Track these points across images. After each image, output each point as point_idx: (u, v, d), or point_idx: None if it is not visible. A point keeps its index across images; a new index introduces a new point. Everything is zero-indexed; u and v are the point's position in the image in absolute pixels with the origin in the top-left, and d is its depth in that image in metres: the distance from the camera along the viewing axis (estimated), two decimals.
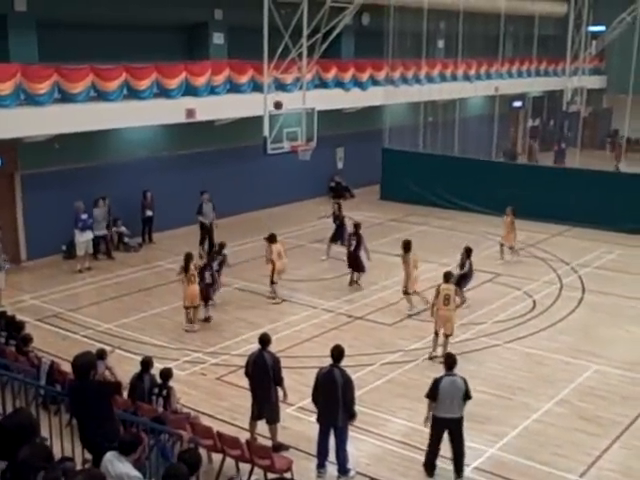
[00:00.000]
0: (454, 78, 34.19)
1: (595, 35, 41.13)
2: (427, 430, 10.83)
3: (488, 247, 22.81)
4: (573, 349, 15.26)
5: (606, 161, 38.81)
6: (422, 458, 11.06)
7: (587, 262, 21.43)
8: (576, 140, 38.68)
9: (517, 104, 41.60)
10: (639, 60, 37.71)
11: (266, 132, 20.06)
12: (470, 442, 11.60)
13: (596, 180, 25.81)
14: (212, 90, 23.33)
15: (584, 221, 24.16)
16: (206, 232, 22.33)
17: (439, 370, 14.03)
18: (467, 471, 10.89)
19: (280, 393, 11.20)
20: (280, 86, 23.62)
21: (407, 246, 17.37)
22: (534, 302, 18.05)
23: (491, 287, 19.20)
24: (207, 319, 16.62)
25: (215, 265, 17.21)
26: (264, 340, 11.27)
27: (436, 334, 14.80)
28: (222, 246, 17.88)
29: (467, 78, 34.99)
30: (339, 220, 21.77)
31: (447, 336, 14.68)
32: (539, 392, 13.39)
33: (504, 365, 14.61)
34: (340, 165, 31.12)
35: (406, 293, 17.29)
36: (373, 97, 29.61)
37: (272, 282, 18.02)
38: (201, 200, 22.37)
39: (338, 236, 21.52)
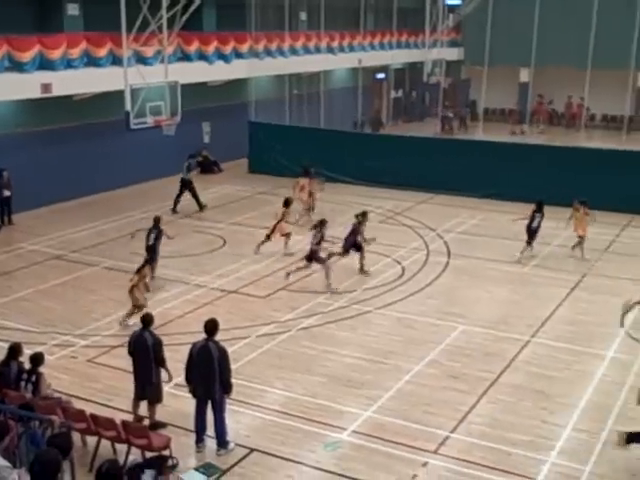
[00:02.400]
0: (318, 50, 34.38)
1: (452, 8, 42.44)
2: (305, 398, 10.95)
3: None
4: (440, 312, 15.81)
5: (467, 130, 40.36)
6: (301, 426, 11.22)
7: (451, 228, 22.21)
8: (437, 111, 39.96)
9: (380, 76, 42.35)
10: (494, 33, 39.33)
11: (128, 107, 19.56)
12: (346, 407, 11.91)
13: (455, 148, 26.69)
14: (69, 64, 22.37)
15: (447, 188, 24.99)
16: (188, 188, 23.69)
17: (313, 339, 14.34)
18: (345, 434, 11.12)
19: (164, 374, 11.03)
20: (141, 59, 23.03)
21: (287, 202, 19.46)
22: (403, 268, 18.55)
23: None
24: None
25: (152, 239, 17.23)
26: (146, 320, 11.08)
27: None
28: (157, 220, 17.63)
29: (330, 50, 35.27)
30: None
31: None
32: (410, 354, 13.81)
33: (376, 331, 14.97)
34: (207, 139, 30.71)
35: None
36: (237, 70, 29.36)
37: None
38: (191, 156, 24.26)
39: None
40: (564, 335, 14.73)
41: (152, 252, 17.20)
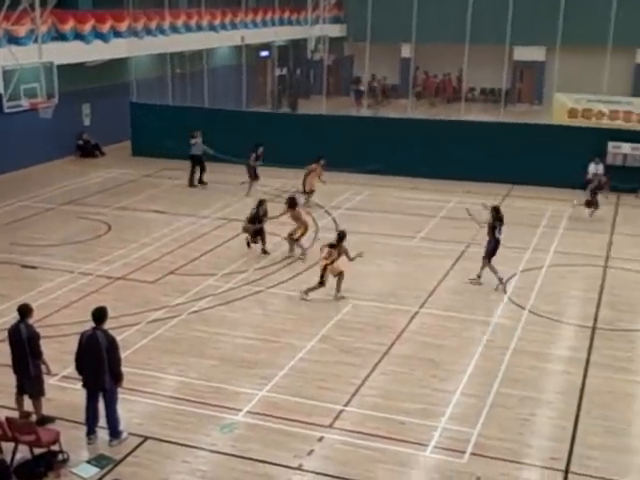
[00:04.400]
0: (199, 28, 33.79)
1: None
2: (199, 382, 10.85)
3: (246, 196, 23.08)
4: (331, 288, 15.91)
5: (351, 107, 40.68)
6: (196, 410, 11.13)
7: (339, 204, 22.42)
8: (322, 87, 40.03)
9: (264, 53, 42.11)
10: (375, 9, 39.64)
11: (0, 89, 18.67)
12: (241, 388, 11.88)
13: (341, 125, 26.89)
14: None
15: (335, 165, 25.09)
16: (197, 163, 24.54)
17: (205, 322, 14.22)
18: (240, 415, 11.11)
19: (44, 367, 10.66)
20: (12, 39, 22.00)
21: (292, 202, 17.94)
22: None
23: None
24: None
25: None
26: (22, 311, 10.61)
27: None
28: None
29: (212, 28, 34.74)
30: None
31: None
32: (302, 332, 13.89)
33: (268, 310, 14.98)
34: (87, 122, 29.75)
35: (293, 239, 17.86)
36: (116, 49, 28.43)
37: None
38: (192, 135, 24.43)
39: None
40: (451, 304, 15.16)
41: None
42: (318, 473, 9.85)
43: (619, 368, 12.54)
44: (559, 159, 23.55)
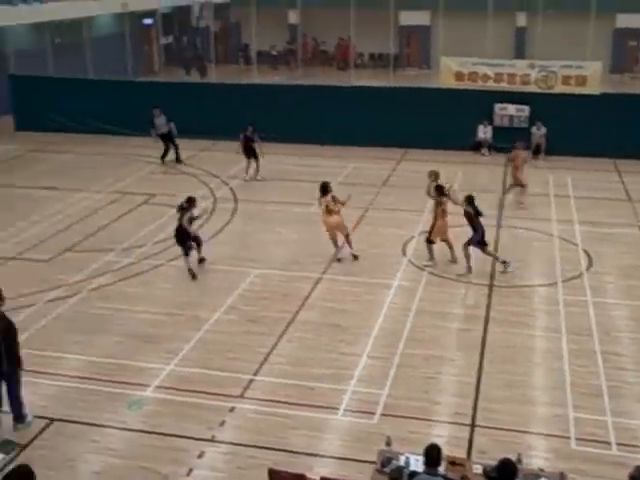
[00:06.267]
0: None
1: None
2: (104, 360, 10.59)
3: (140, 168, 22.59)
4: (233, 258, 15.87)
5: (242, 74, 40.27)
6: (102, 388, 10.92)
7: (235, 174, 22.21)
8: (210, 55, 39.43)
9: (148, 21, 40.98)
10: None
11: None
12: (147, 363, 11.71)
13: (226, 93, 26.51)
14: None
15: (228, 135, 24.76)
16: (167, 141, 23.29)
17: (106, 298, 13.88)
18: (149, 391, 10.96)
19: None
20: None
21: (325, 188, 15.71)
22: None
23: (148, 208, 19.09)
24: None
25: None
26: None
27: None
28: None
29: None
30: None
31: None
32: (207, 303, 13.78)
33: (171, 283, 14.78)
34: None
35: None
36: None
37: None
38: (152, 114, 22.94)
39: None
40: (352, 269, 15.34)
41: None
42: (231, 443, 9.87)
43: (516, 323, 13.05)
44: (449, 122, 24.04)
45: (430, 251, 15.46)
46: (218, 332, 12.77)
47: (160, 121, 23.12)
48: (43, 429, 10.11)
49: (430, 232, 15.44)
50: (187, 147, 24.47)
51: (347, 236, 15.85)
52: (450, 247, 15.50)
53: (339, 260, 15.76)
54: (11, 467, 8.45)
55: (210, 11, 40.62)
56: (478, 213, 14.97)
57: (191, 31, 43.22)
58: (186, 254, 15.02)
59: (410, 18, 42.45)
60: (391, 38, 39.28)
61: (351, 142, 24.69)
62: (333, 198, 15.53)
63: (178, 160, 23.53)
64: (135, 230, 17.39)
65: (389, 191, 20.73)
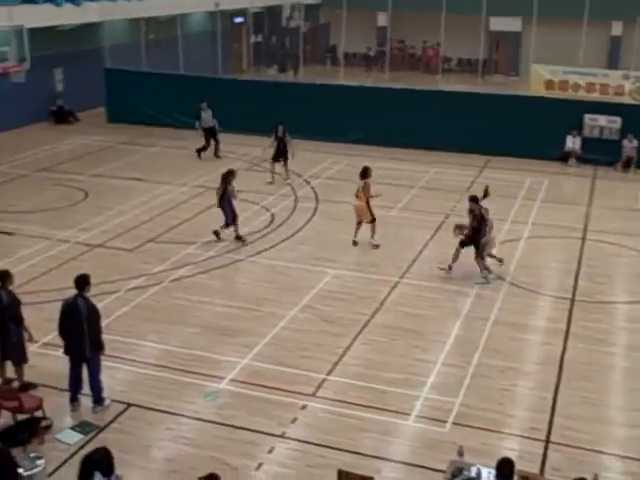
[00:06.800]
0: None
1: None
2: (181, 350, 10.81)
3: (225, 164, 22.90)
4: (312, 257, 15.95)
5: (326, 75, 40.44)
6: (178, 378, 11.13)
7: (318, 173, 22.33)
8: (290, 56, 39.70)
9: (239, 20, 41.56)
10: None
11: None
12: (223, 356, 11.88)
13: (318, 93, 26.67)
14: None
15: (312, 134, 24.93)
16: (209, 135, 23.55)
17: (186, 290, 14.16)
18: (223, 383, 11.11)
19: (26, 334, 10.57)
20: None
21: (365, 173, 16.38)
22: (272, 215, 18.54)
23: None
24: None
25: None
26: (2, 277, 10.47)
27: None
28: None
29: None
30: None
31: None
32: (284, 301, 13.88)
33: (249, 279, 14.95)
34: (60, 87, 29.23)
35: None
36: (88, 13, 27.90)
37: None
38: (199, 107, 23.28)
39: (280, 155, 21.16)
40: (431, 274, 15.22)
41: None
42: (301, 441, 9.92)
43: (597, 340, 12.71)
44: (536, 130, 23.60)
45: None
46: (293, 330, 12.85)
47: (207, 115, 23.43)
48: (120, 413, 10.38)
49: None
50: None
51: (373, 221, 16.34)
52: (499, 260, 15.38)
53: (355, 244, 16.50)
54: (90, 448, 8.72)
55: (301, 12, 40.91)
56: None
57: (280, 31, 43.60)
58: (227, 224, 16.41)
59: (501, 24, 41.72)
60: (481, 43, 38.84)
61: (434, 146, 24.48)
62: (365, 185, 16.13)
63: (217, 155, 23.82)
64: (217, 224, 17.61)
65: None
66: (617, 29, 40.86)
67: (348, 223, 17.00)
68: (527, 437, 10.08)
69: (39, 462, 8.39)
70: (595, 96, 26.92)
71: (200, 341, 12.35)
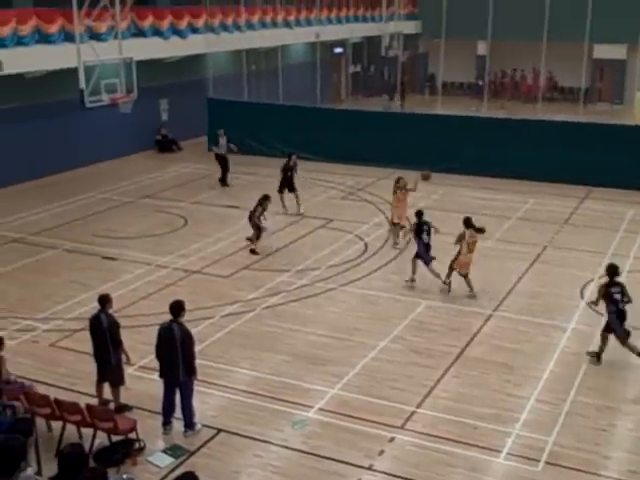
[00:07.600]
0: (274, 25, 34.11)
1: None
2: (271, 377, 10.92)
3: (320, 192, 23.16)
4: (404, 287, 15.87)
5: (425, 104, 40.38)
6: (268, 405, 11.23)
7: (413, 203, 22.13)
8: (396, 85, 39.86)
9: (338, 50, 42.13)
10: (450, 6, 39.30)
11: (82, 84, 19.16)
12: (313, 384, 11.93)
13: (415, 122, 26.64)
14: (19, 41, 21.83)
15: (408, 163, 24.87)
16: (222, 162, 24.33)
17: (278, 317, 14.31)
18: (311, 412, 11.16)
19: (124, 356, 10.93)
20: (94, 35, 22.62)
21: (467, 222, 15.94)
22: (365, 245, 18.58)
23: (324, 232, 19.55)
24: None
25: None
26: (102, 301, 10.90)
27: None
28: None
29: (287, 24, 34.98)
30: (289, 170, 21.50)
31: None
32: (375, 331, 13.85)
33: (341, 308, 14.99)
34: (165, 117, 30.31)
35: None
36: (193, 45, 28.98)
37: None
38: (217, 134, 24.40)
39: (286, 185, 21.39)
40: (526, 308, 14.90)
41: None
42: (389, 474, 9.83)
43: None
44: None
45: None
46: (383, 360, 12.79)
47: (223, 141, 24.05)
48: (210, 438, 10.54)
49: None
50: (367, 174, 24.86)
51: (466, 276, 15.59)
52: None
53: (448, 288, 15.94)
54: (179, 472, 8.88)
55: (400, 41, 41.09)
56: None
57: (379, 60, 43.87)
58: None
59: (605, 51, 40.75)
60: (583, 71, 37.99)
61: (532, 176, 24.03)
62: (470, 235, 15.60)
63: (224, 182, 24.21)
64: (311, 253, 17.82)
65: (571, 230, 19.95)
66: None
67: (443, 254, 16.83)
68: None
69: None
70: None
71: (290, 369, 12.45)
